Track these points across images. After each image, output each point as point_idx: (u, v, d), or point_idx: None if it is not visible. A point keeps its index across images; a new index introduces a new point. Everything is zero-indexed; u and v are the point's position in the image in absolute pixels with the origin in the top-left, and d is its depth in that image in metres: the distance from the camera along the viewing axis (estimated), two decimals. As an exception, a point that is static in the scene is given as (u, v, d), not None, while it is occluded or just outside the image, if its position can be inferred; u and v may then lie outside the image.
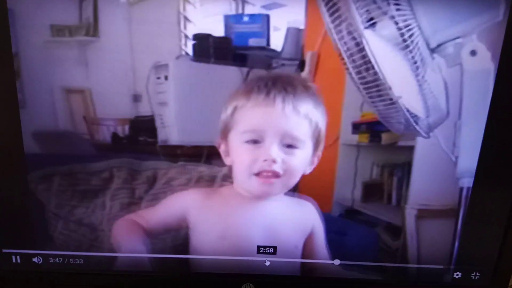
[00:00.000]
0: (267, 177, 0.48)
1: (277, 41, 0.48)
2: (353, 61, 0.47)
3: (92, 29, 0.47)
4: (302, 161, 0.49)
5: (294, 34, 0.48)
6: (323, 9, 0.46)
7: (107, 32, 0.47)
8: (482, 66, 0.48)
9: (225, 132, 0.49)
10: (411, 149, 0.52)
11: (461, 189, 0.53)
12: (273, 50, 0.49)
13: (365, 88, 0.48)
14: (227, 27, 0.48)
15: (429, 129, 0.51)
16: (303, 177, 0.52)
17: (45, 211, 0.53)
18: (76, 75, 0.48)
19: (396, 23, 0.46)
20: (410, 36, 0.46)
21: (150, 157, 0.51)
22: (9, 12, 0.45)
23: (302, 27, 0.48)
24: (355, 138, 0.52)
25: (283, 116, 0.46)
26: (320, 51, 0.49)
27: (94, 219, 0.53)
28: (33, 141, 0.50)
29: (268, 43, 0.48)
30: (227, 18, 0.47)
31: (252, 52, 0.49)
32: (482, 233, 0.54)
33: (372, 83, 0.48)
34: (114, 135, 0.51)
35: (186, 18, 0.47)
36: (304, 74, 0.49)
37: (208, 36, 0.48)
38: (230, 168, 0.51)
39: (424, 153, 0.52)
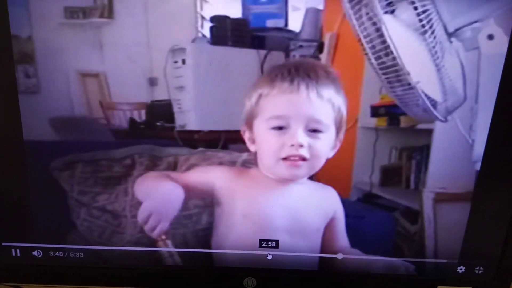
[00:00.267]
0: (294, 161, 0.50)
1: (295, 23, 0.48)
2: (373, 46, 0.47)
3: (107, 10, 0.46)
4: (327, 144, 0.51)
5: (313, 15, 0.47)
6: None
7: (122, 14, 0.46)
8: (500, 50, 0.48)
9: (250, 120, 0.50)
10: (429, 132, 0.51)
11: (477, 172, 0.53)
12: (291, 32, 0.48)
13: (384, 74, 0.49)
14: (244, 7, 0.47)
15: (446, 113, 0.51)
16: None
17: (68, 198, 0.53)
18: (90, 58, 0.47)
19: (415, 8, 0.46)
20: (429, 21, 0.46)
21: (170, 143, 0.51)
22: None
23: (321, 7, 0.47)
24: (374, 121, 0.51)
25: (307, 102, 0.48)
26: (339, 32, 0.48)
27: (118, 206, 0.53)
28: (51, 128, 0.49)
29: (286, 24, 0.48)
30: (244, -2, 0.46)
31: (269, 33, 0.48)
32: (486, 227, 0.55)
33: (391, 68, 0.48)
34: (131, 120, 0.50)
35: (202, -1, 0.46)
36: (323, 55, 0.49)
37: (225, 18, 0.47)
38: (252, 154, 0.52)
39: (443, 136, 0.52)
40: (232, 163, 0.53)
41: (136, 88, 0.49)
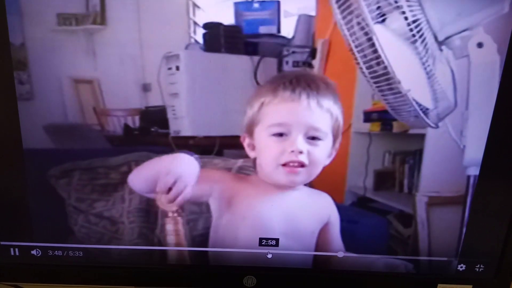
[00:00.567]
0: (293, 167, 0.51)
1: (288, 29, 0.48)
2: (364, 56, 0.48)
3: (100, 17, 0.46)
4: (324, 151, 0.52)
5: (305, 22, 0.48)
6: (334, 5, 0.46)
7: (115, 20, 0.46)
8: (489, 58, 0.48)
9: (251, 127, 0.52)
10: (422, 137, 0.52)
11: (468, 177, 0.53)
12: (284, 38, 0.49)
13: (375, 82, 0.49)
14: (237, 14, 0.47)
15: (438, 119, 0.51)
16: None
17: (65, 205, 0.53)
18: (84, 65, 0.47)
19: (406, 18, 0.47)
20: (419, 30, 0.47)
21: (166, 150, 0.51)
22: (15, 1, 0.44)
23: (313, 14, 0.47)
24: (367, 126, 0.52)
25: (308, 111, 0.50)
26: (331, 38, 0.49)
27: (115, 212, 0.53)
28: (46, 134, 0.49)
29: (278, 31, 0.48)
30: (237, 5, 0.47)
31: (262, 40, 0.48)
32: (487, 225, 0.55)
33: (382, 76, 0.48)
34: (126, 127, 0.50)
35: (195, 4, 0.46)
36: (316, 61, 0.50)
37: (218, 24, 0.47)
38: (248, 161, 0.53)
39: (435, 141, 0.52)
40: (227, 170, 0.53)
41: (129, 94, 0.49)
